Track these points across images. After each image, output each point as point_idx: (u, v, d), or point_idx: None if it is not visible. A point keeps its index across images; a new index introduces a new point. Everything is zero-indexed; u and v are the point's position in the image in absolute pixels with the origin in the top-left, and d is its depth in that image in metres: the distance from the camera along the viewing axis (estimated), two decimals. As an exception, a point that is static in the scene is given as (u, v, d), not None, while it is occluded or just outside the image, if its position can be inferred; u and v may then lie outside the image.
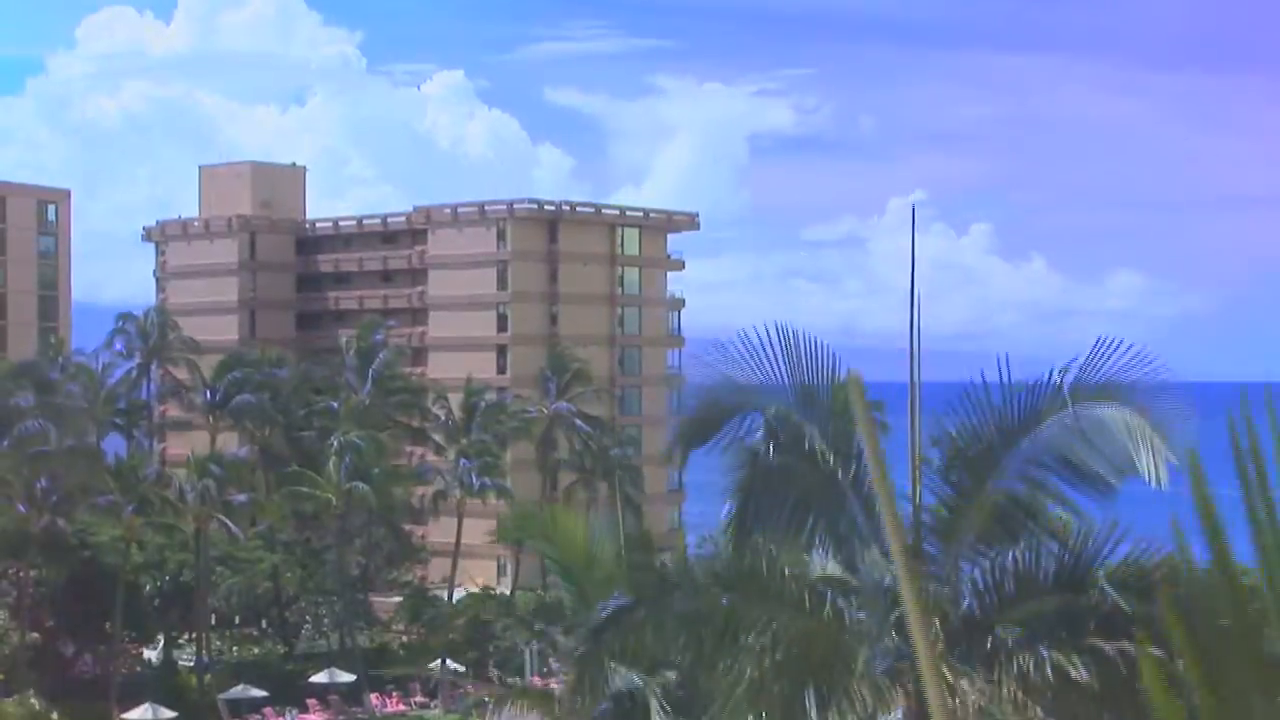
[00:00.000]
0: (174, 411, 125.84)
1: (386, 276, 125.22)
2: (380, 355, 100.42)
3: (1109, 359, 15.54)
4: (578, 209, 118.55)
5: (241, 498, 71.54)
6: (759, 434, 16.83)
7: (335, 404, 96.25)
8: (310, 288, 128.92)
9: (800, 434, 16.77)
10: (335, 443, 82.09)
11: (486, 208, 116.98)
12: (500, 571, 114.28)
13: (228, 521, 69.55)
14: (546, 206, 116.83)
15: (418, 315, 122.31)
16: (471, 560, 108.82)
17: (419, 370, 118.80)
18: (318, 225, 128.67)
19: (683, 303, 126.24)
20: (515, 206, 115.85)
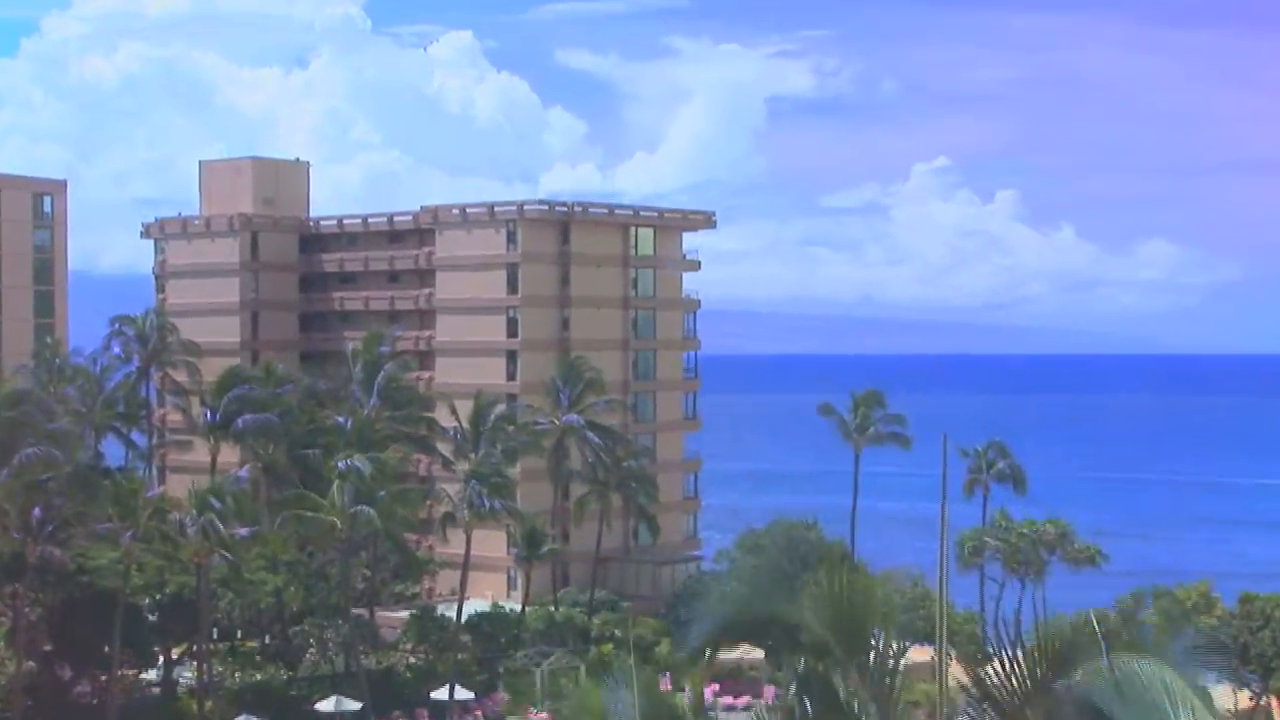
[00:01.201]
0: (174, 417, 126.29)
1: (393, 277, 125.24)
2: (386, 368, 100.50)
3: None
4: (590, 210, 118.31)
5: (244, 532, 71.59)
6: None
7: (342, 419, 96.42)
8: (314, 288, 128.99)
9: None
10: (340, 466, 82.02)
11: (496, 208, 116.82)
12: (510, 584, 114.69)
13: (229, 556, 69.53)
14: (558, 208, 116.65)
15: (425, 318, 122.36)
16: (481, 573, 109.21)
17: (426, 375, 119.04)
18: (322, 224, 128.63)
19: (698, 304, 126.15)
20: (525, 207, 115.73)
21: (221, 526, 71.17)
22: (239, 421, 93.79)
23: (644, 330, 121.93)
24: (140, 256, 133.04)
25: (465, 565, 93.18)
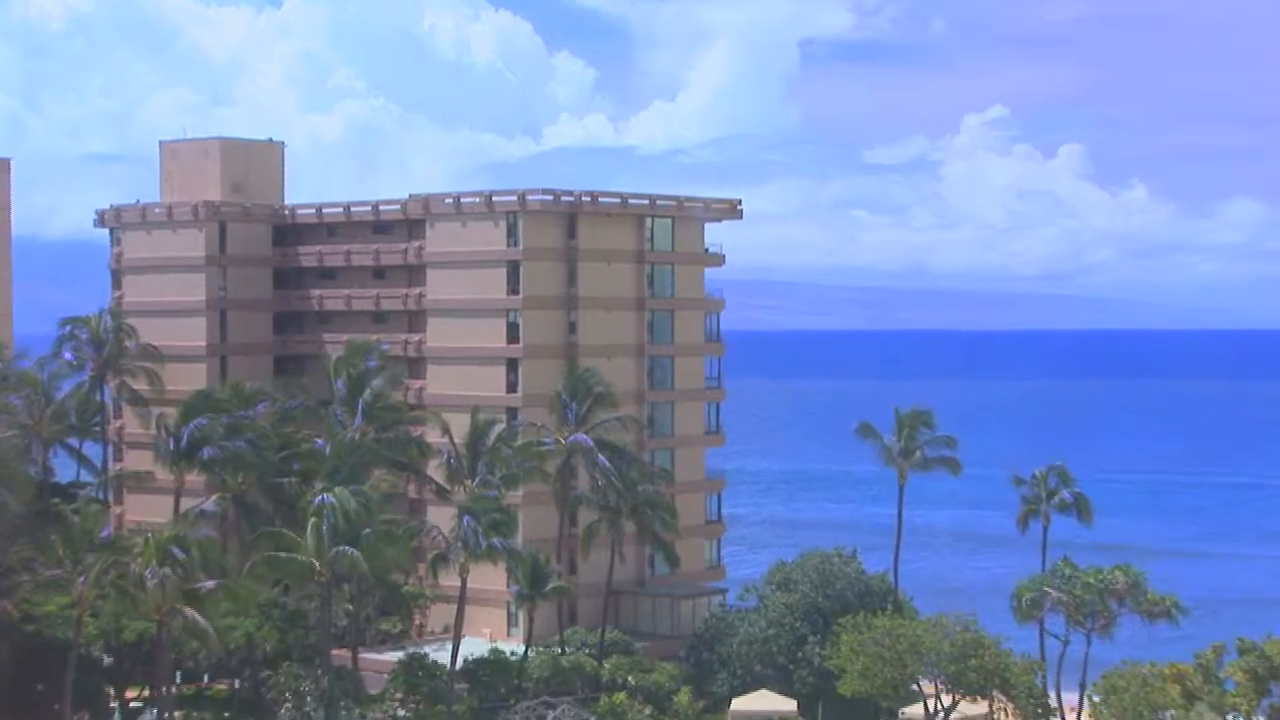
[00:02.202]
0: (132, 429, 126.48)
1: (379, 274, 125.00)
2: (372, 384, 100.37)
3: None
4: (600, 199, 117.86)
5: (210, 584, 71.52)
6: None
7: (320, 442, 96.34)
8: (290, 285, 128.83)
9: None
10: (318, 501, 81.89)
11: (494, 198, 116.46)
12: (511, 620, 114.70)
13: (196, 616, 69.46)
14: (563, 197, 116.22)
15: (414, 320, 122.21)
16: (478, 608, 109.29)
17: (416, 384, 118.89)
18: (298, 212, 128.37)
19: (722, 304, 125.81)
20: (527, 198, 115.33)
21: (185, 575, 70.96)
22: (205, 450, 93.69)
23: (661, 334, 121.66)
24: (94, 224, 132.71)
25: (460, 609, 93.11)
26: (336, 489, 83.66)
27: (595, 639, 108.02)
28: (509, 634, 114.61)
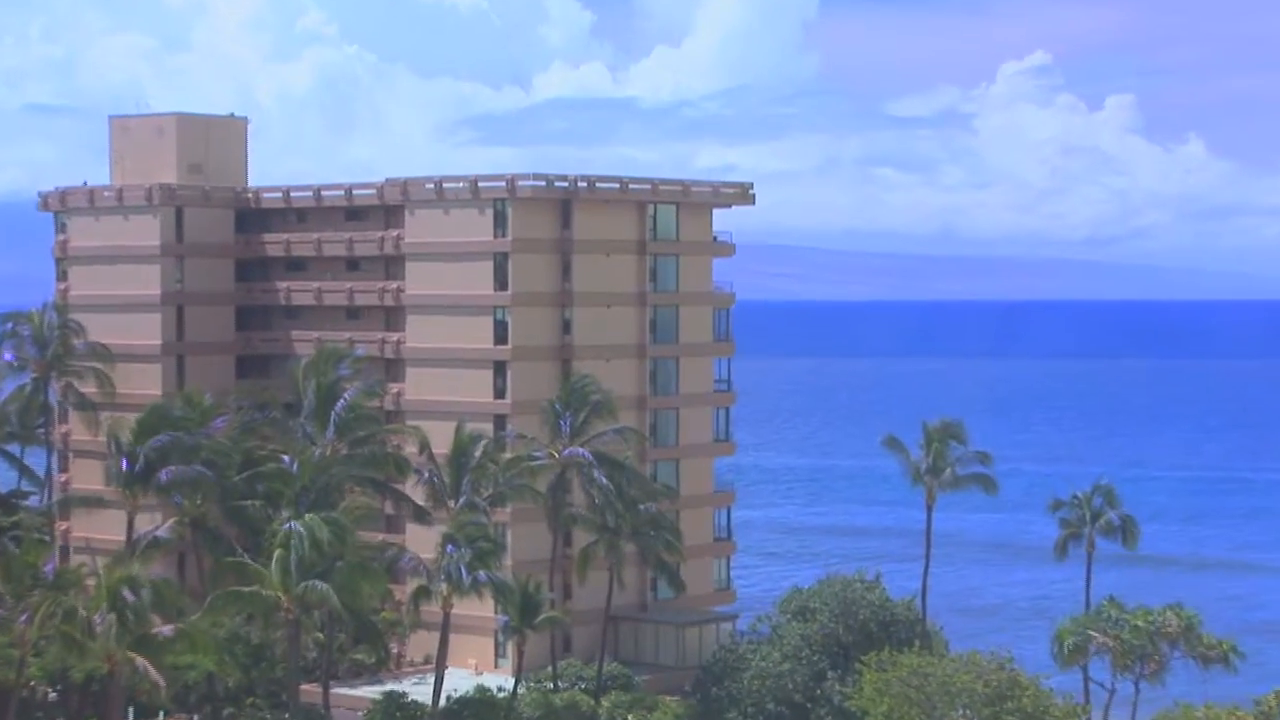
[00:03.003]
0: (79, 435, 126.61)
1: (352, 265, 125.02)
2: (345, 395, 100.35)
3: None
4: (597, 185, 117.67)
5: (165, 630, 71.54)
6: None
7: (288, 459, 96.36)
8: (254, 277, 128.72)
9: None
10: (286, 530, 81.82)
11: (480, 183, 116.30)
12: (499, 650, 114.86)
13: (148, 666, 69.48)
14: (557, 183, 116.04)
15: (392, 316, 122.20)
16: (463, 636, 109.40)
17: (394, 388, 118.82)
18: (263, 196, 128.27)
19: (733, 298, 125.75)
20: (517, 183, 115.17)
21: (137, 619, 70.94)
22: (163, 473, 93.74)
23: (665, 333, 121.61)
24: (38, 178, 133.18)
25: (443, 642, 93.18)
26: (306, 516, 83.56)
27: (591, 672, 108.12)
28: (496, 665, 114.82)
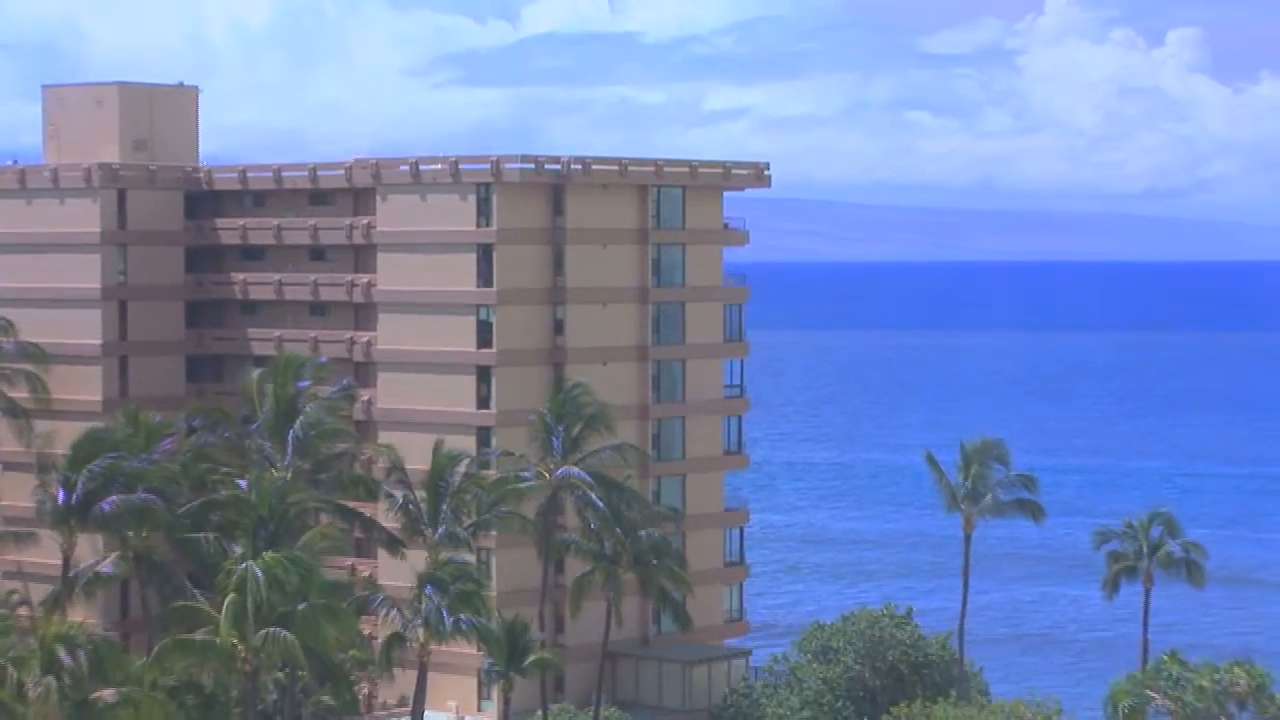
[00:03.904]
0: (9, 446, 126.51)
1: (317, 254, 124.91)
2: (306, 411, 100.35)
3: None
4: (593, 167, 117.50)
5: (108, 694, 71.53)
6: None
7: (245, 483, 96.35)
8: (206, 268, 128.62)
9: None
10: (243, 571, 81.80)
11: (462, 165, 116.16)
12: (483, 692, 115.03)
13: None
14: (548, 166, 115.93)
15: (362, 314, 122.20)
16: (444, 675, 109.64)
17: (364, 395, 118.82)
18: (216, 176, 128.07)
19: (746, 293, 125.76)
20: (503, 165, 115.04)
21: (75, 683, 70.95)
22: (103, 504, 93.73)
23: (669, 332, 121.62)
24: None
25: (420, 685, 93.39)
26: (265, 555, 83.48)
27: (587, 717, 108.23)
28: (480, 707, 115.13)
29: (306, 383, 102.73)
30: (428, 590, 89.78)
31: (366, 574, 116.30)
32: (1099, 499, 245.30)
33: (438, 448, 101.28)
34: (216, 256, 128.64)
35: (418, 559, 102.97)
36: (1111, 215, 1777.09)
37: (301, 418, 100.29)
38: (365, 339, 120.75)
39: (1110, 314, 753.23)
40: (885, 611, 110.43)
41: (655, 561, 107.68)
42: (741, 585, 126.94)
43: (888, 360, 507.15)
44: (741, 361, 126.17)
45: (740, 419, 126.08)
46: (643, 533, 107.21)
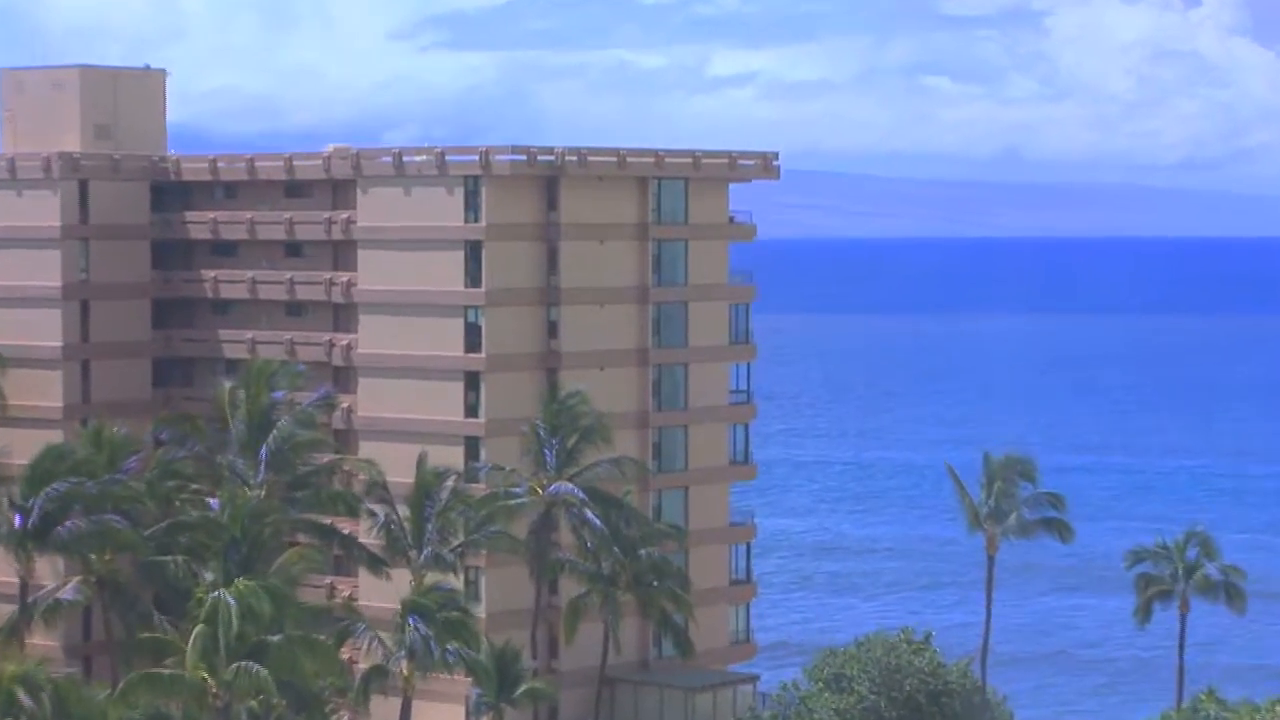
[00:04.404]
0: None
1: (293, 250, 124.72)
2: (280, 424, 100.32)
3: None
4: (589, 159, 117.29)
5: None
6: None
7: (216, 502, 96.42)
8: (174, 264, 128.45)
9: None
10: (214, 600, 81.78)
11: (448, 156, 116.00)
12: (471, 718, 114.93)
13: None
14: (541, 156, 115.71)
15: (342, 315, 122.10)
16: (430, 704, 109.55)
17: (343, 403, 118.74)
18: (185, 166, 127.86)
19: (754, 291, 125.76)
20: (493, 156, 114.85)
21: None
22: (63, 528, 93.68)
23: (671, 334, 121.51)
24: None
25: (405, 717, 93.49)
26: (238, 582, 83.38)
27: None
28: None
29: (281, 392, 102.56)
30: (412, 619, 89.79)
31: (346, 593, 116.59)
32: (1132, 501, 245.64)
33: (422, 463, 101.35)
34: (185, 252, 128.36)
35: (401, 576, 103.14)
36: (1144, 188, 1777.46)
37: (275, 431, 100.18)
38: (345, 342, 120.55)
39: (1142, 295, 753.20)
40: (902, 637, 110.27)
41: (656, 583, 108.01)
42: (748, 605, 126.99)
43: (904, 348, 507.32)
44: (748, 365, 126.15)
45: (747, 427, 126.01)
46: (642, 552, 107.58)
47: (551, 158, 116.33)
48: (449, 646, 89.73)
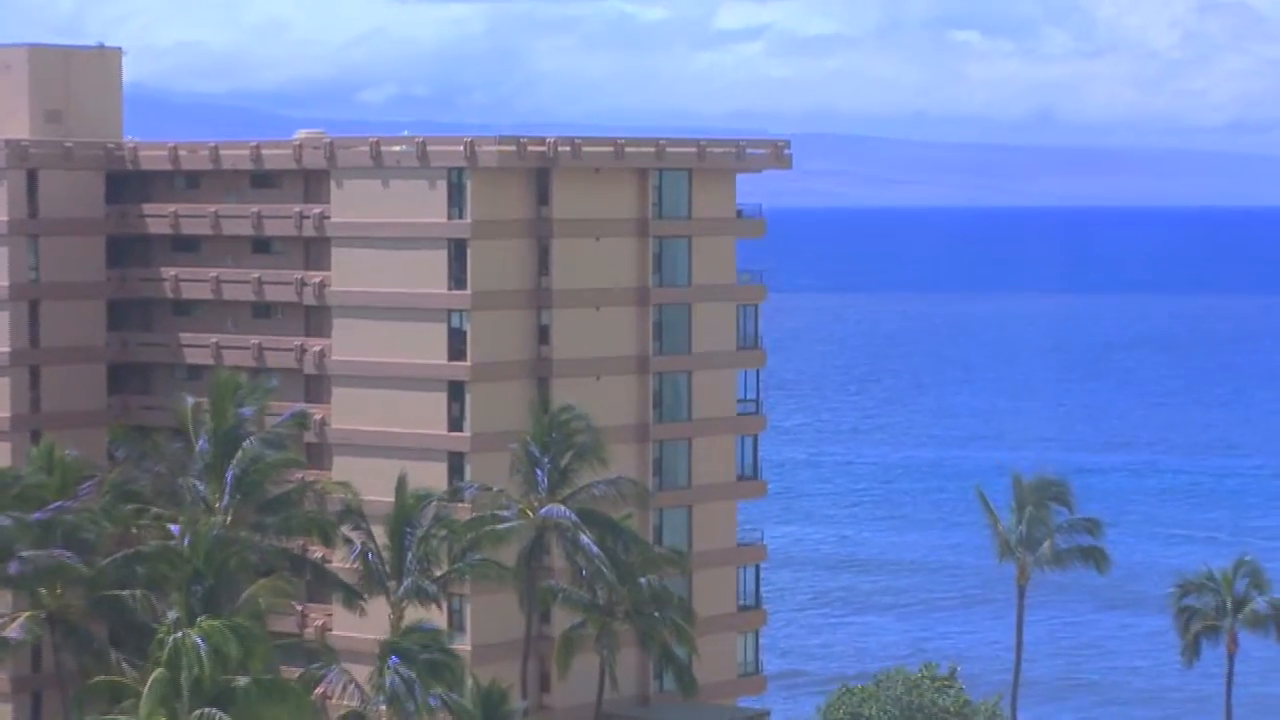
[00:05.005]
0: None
1: (261, 246, 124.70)
2: (247, 444, 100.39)
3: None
4: (584, 149, 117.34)
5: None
6: None
7: (177, 528, 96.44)
8: (131, 261, 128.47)
9: None
10: (176, 642, 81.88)
11: (431, 146, 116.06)
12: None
13: None
14: (531, 147, 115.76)
15: (314, 317, 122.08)
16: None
17: (316, 414, 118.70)
18: (143, 154, 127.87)
19: (763, 291, 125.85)
20: (478, 147, 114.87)
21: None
22: (11, 564, 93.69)
23: (673, 340, 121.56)
24: None
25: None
26: (202, 622, 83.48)
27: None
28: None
29: (250, 410, 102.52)
30: (392, 662, 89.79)
31: (320, 623, 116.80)
32: (1178, 507, 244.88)
33: (401, 486, 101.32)
34: (143, 248, 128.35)
35: (380, 605, 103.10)
36: (1190, 152, 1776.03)
37: (242, 452, 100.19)
38: (317, 348, 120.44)
39: (1188, 271, 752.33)
40: (925, 673, 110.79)
41: (657, 613, 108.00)
42: (757, 633, 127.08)
43: (929, 330, 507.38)
44: (758, 372, 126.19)
45: (756, 440, 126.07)
46: (642, 580, 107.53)
47: (543, 148, 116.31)
48: (434, 692, 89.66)
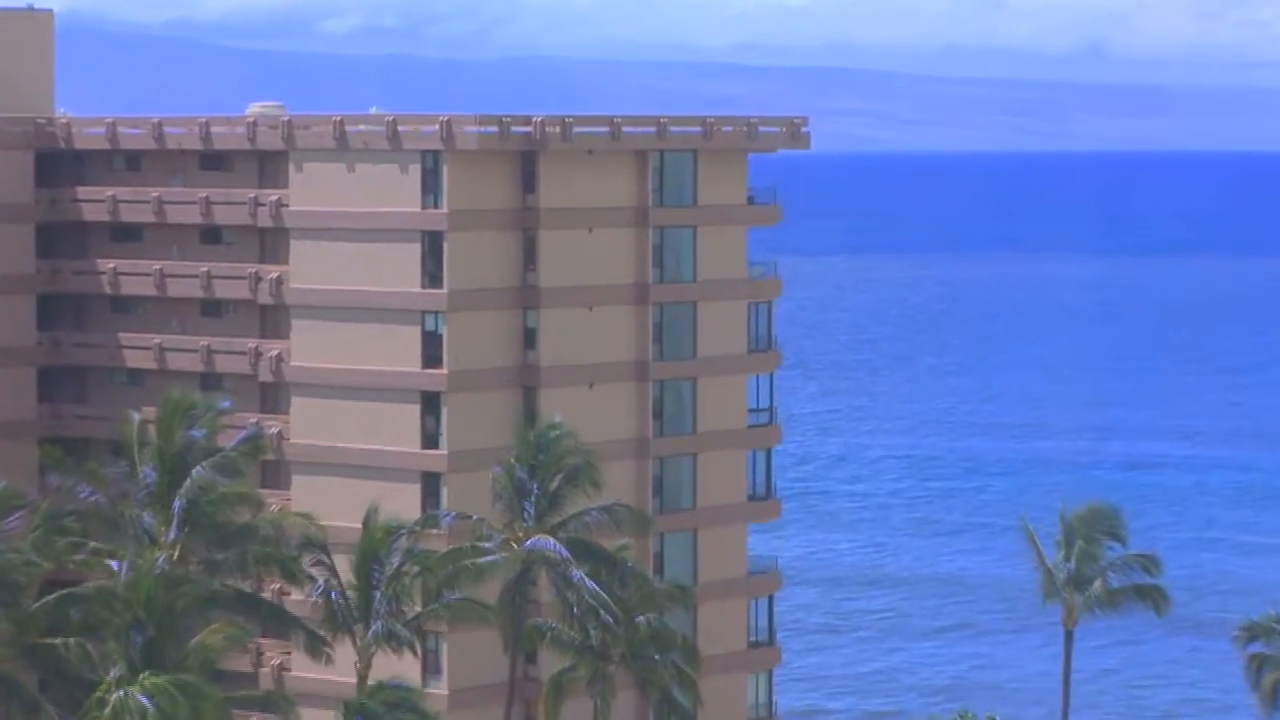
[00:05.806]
0: None
1: (210, 235, 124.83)
2: (198, 471, 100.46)
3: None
4: (574, 130, 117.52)
5: None
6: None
7: (118, 565, 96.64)
8: (65, 251, 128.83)
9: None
10: (119, 700, 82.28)
11: (402, 126, 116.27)
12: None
13: None
14: (515, 127, 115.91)
15: (270, 318, 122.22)
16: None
17: (272, 426, 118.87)
18: (77, 131, 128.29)
19: (778, 285, 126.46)
20: (456, 128, 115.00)
21: None
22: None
23: (675, 343, 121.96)
24: None
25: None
26: (145, 678, 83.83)
27: None
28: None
29: (200, 432, 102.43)
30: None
31: (277, 662, 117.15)
32: (1248, 509, 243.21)
33: (370, 518, 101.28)
34: (78, 237, 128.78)
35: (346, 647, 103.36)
36: (1253, 90, 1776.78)
37: (191, 480, 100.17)
38: (274, 352, 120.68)
39: (1257, 225, 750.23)
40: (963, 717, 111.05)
41: (657, 655, 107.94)
42: (770, 673, 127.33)
43: (967, 299, 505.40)
44: (771, 377, 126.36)
45: (769, 454, 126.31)
46: (640, 618, 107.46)
47: (529, 128, 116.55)
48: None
